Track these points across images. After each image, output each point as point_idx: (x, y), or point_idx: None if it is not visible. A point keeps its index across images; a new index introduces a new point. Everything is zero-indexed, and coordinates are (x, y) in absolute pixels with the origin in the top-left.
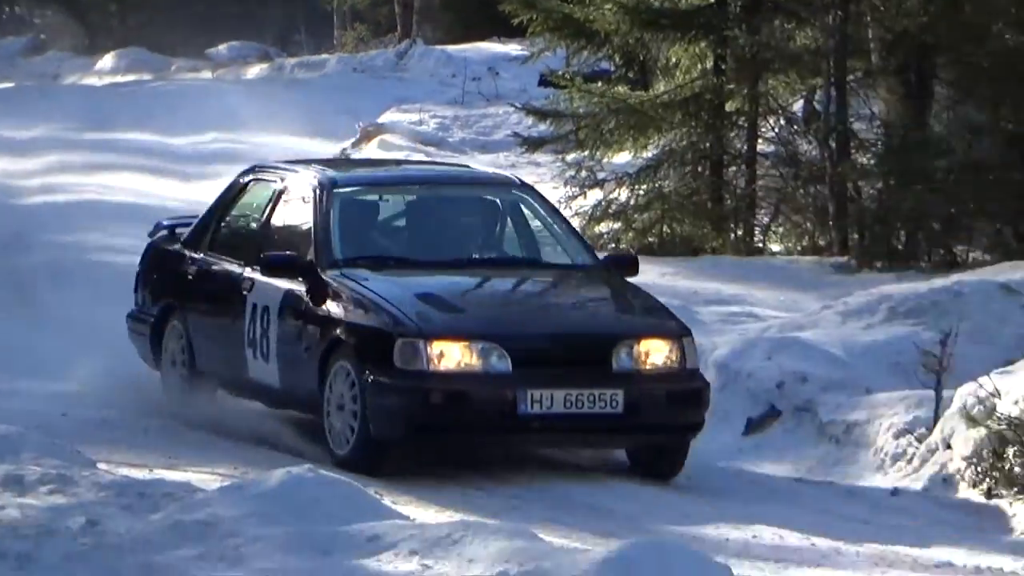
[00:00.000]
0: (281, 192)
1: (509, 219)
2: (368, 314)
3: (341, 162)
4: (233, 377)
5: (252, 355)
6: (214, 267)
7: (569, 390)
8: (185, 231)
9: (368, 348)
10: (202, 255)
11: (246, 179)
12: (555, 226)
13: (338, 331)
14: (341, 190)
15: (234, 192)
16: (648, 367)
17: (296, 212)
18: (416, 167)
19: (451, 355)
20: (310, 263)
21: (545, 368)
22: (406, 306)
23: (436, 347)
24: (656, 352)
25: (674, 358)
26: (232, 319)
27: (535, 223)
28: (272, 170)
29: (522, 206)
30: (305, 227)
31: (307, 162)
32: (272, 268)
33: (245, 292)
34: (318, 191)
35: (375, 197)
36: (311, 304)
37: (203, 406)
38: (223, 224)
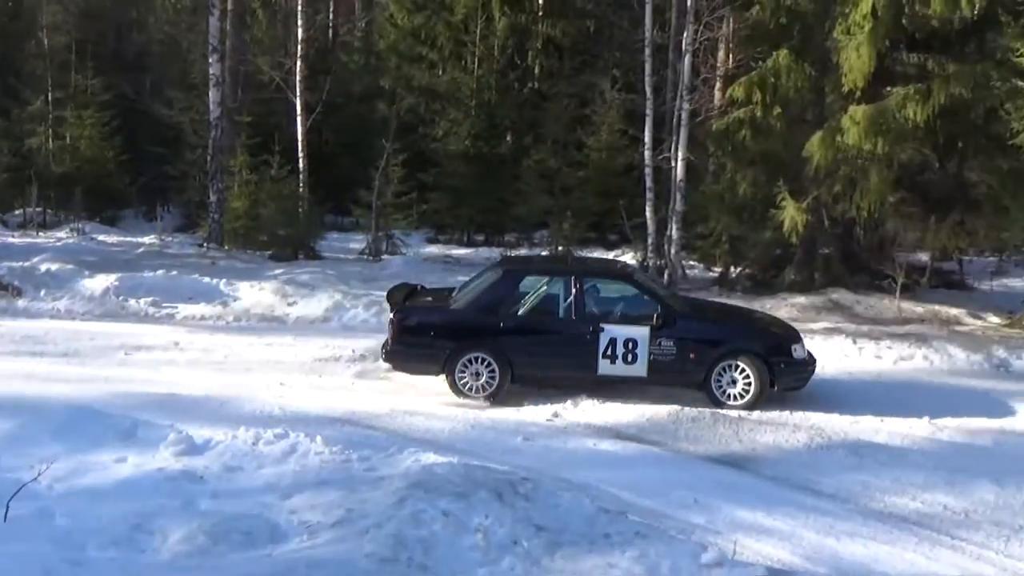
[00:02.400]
0: (577, 281)
1: None
2: (755, 335)
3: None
4: (577, 375)
5: (608, 363)
6: (551, 323)
7: None
8: (436, 297)
9: (771, 351)
10: (522, 316)
11: (515, 275)
12: None
13: (732, 345)
14: (638, 273)
15: (514, 283)
16: None
17: (611, 290)
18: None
19: (803, 348)
20: (677, 311)
21: None
22: (773, 328)
23: (801, 346)
24: None
25: None
26: (580, 346)
27: None
28: (543, 270)
29: None
30: (631, 295)
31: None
32: (664, 318)
33: (600, 332)
34: (633, 276)
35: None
36: (691, 333)
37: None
38: (515, 300)
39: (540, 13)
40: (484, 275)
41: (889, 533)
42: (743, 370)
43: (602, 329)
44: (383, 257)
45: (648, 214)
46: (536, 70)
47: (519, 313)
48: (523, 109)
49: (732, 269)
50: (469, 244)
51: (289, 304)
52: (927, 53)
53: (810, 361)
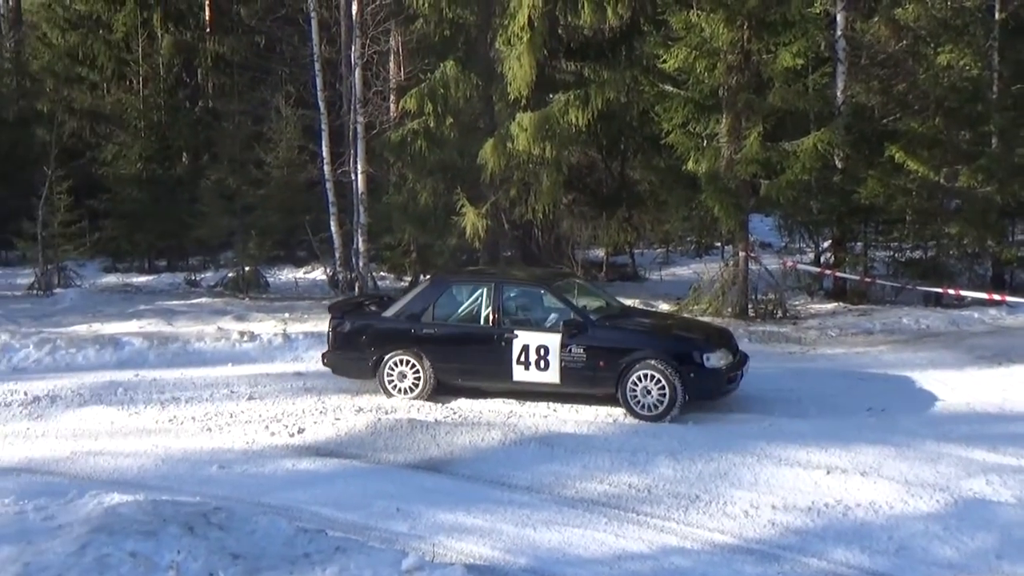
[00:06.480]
0: (496, 290)
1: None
2: (662, 343)
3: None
4: (494, 381)
5: (522, 369)
6: (467, 329)
7: None
8: (368, 311)
9: (680, 357)
10: (442, 323)
11: (442, 285)
12: None
13: (639, 353)
14: (557, 283)
15: (440, 292)
16: None
17: (527, 299)
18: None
19: (721, 357)
20: (588, 320)
21: None
22: (691, 334)
23: (717, 355)
24: None
25: None
26: (494, 352)
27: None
28: (469, 280)
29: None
30: (546, 304)
31: (484, 271)
32: (573, 326)
33: (512, 339)
34: (553, 287)
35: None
36: (599, 341)
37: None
38: (440, 308)
39: (207, 30)
40: (418, 286)
41: (581, 517)
42: (656, 379)
43: (516, 336)
44: (56, 291)
45: (333, 228)
46: (208, 88)
47: (443, 320)
48: (197, 128)
49: (422, 277)
50: (150, 270)
51: None
52: (583, 61)
53: (728, 370)
